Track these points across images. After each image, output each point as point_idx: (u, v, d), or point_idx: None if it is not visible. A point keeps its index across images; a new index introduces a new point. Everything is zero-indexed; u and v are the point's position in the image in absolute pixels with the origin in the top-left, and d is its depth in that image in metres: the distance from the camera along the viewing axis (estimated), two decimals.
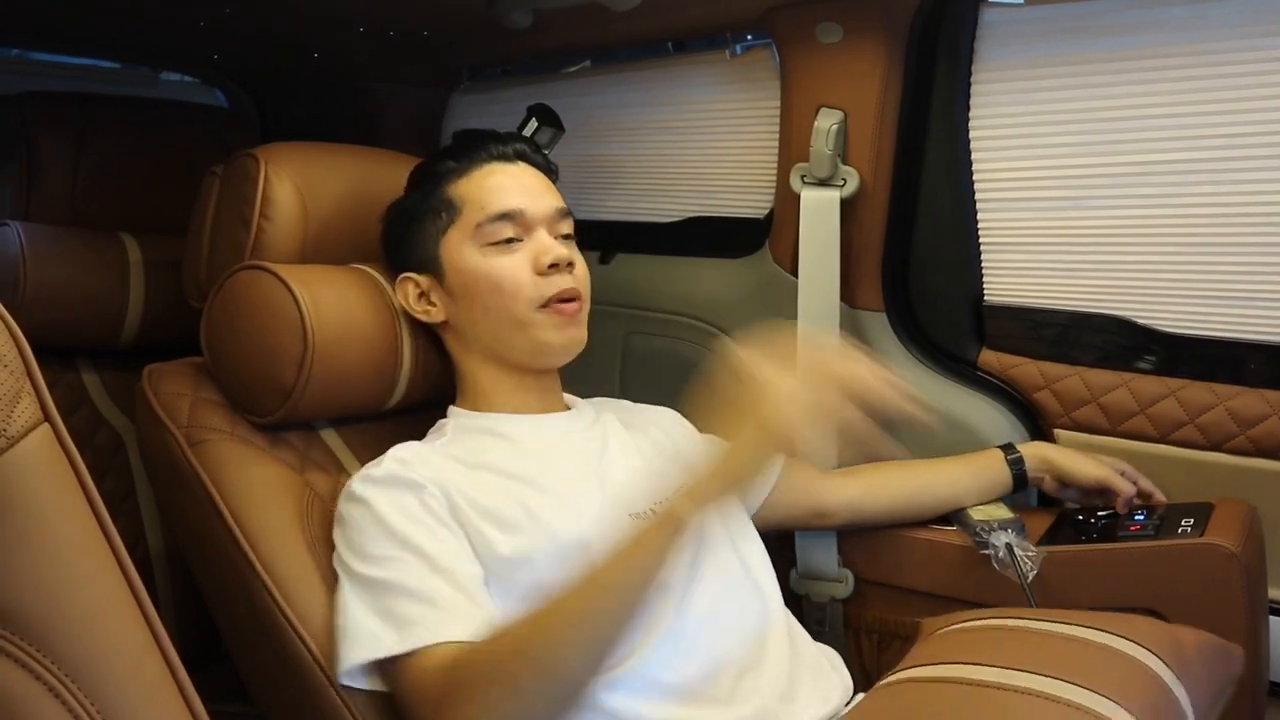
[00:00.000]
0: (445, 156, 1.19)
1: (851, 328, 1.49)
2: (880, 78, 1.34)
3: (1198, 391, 1.28)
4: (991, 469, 1.29)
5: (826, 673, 1.08)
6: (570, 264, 1.14)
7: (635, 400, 1.35)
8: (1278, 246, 1.20)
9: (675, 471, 1.14)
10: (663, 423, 1.25)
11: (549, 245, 1.13)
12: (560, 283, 1.12)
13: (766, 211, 1.58)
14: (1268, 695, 1.25)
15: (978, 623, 1.00)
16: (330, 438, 1.25)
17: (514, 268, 1.12)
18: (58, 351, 1.53)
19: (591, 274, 1.77)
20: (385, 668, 0.94)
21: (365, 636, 0.94)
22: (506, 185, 1.15)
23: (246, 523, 1.07)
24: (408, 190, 1.22)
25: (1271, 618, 1.23)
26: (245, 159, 1.24)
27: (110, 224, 1.55)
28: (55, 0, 1.42)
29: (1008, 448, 1.31)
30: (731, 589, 1.08)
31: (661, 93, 1.67)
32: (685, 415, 1.31)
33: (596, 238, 1.82)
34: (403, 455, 1.05)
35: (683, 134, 1.67)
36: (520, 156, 1.19)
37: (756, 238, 1.60)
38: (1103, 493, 1.26)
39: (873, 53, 1.33)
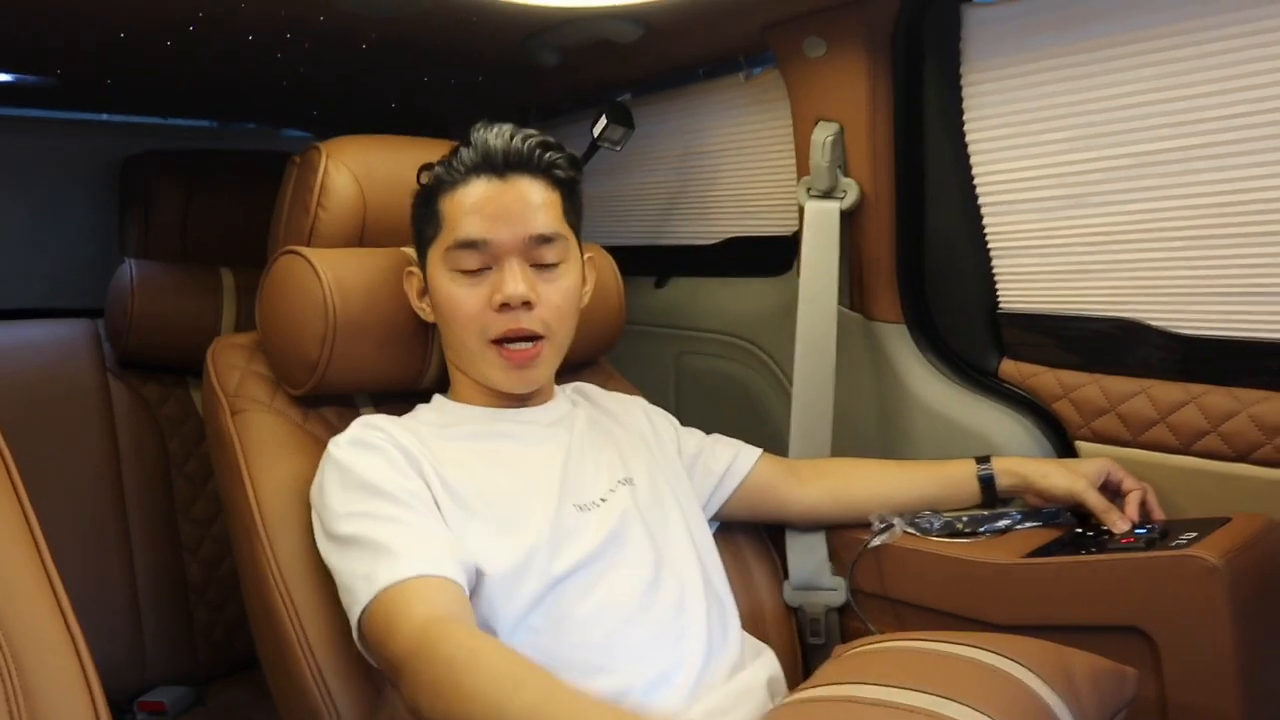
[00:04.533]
0: (445, 162, 1.14)
1: (871, 342, 1.48)
2: (867, 87, 1.34)
3: (1219, 397, 1.18)
4: (960, 480, 1.25)
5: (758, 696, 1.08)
6: (527, 303, 1.09)
7: (688, 416, 1.38)
8: None
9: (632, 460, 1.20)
10: (624, 416, 1.28)
11: (506, 281, 1.09)
12: (510, 322, 1.10)
13: (796, 229, 1.60)
14: None
15: (880, 645, 0.99)
16: (368, 414, 1.30)
17: (470, 299, 1.11)
18: (169, 370, 1.78)
19: (649, 299, 1.87)
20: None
21: (353, 589, 0.97)
22: (482, 208, 1.10)
23: (259, 485, 1.17)
24: (417, 187, 1.19)
25: None
26: (312, 150, 1.31)
27: (215, 260, 1.80)
28: (176, 70, 1.66)
29: (983, 458, 1.26)
30: (691, 604, 1.10)
31: (691, 119, 1.73)
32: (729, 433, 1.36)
33: (651, 263, 1.89)
34: (370, 421, 1.11)
35: (714, 158, 1.72)
36: (515, 167, 1.11)
37: (788, 255, 1.61)
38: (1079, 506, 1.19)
39: (856, 63, 1.34)
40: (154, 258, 1.80)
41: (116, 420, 1.74)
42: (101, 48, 1.49)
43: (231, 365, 1.30)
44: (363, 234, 1.32)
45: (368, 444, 1.07)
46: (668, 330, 1.82)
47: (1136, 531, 1.14)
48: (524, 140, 1.12)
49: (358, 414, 1.31)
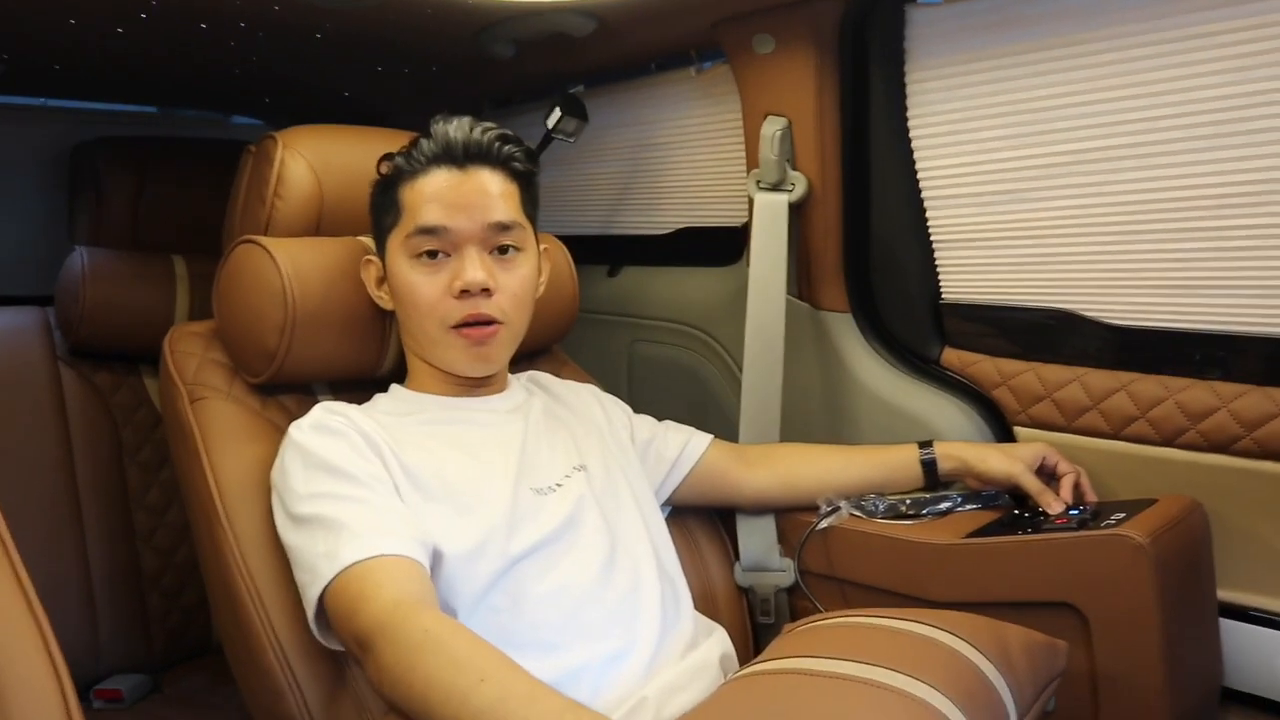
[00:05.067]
0: (406, 152, 1.17)
1: (819, 330, 1.53)
2: (814, 83, 1.38)
3: (1148, 385, 1.24)
4: (903, 464, 1.30)
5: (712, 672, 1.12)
6: (486, 289, 1.13)
7: (640, 403, 1.42)
8: (1208, 231, 1.16)
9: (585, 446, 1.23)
10: (577, 405, 1.32)
11: (465, 268, 1.12)
12: (470, 308, 1.13)
13: (746, 220, 1.63)
14: (1220, 701, 1.20)
15: (827, 621, 1.04)
16: (326, 401, 1.31)
17: (430, 286, 1.14)
18: (122, 358, 1.78)
19: (602, 287, 1.90)
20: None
21: (314, 567, 0.99)
22: (442, 196, 1.13)
23: (219, 471, 1.18)
24: (377, 176, 1.21)
25: (1231, 622, 1.19)
26: (268, 140, 1.32)
27: (167, 248, 1.79)
28: (127, 56, 1.65)
29: (926, 443, 1.31)
30: (645, 585, 1.14)
31: (644, 112, 1.76)
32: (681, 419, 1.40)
33: (604, 252, 1.92)
34: (331, 407, 1.13)
35: (666, 149, 1.75)
36: (474, 159, 1.15)
37: (738, 246, 1.65)
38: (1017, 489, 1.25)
39: (804, 60, 1.38)
40: (105, 245, 1.78)
41: (68, 409, 1.73)
42: (51, 34, 1.48)
43: (189, 353, 1.31)
44: (319, 223, 1.33)
45: (329, 428, 1.09)
46: (620, 318, 1.85)
47: (1070, 513, 1.19)
48: (483, 133, 1.15)
49: (316, 402, 1.31)
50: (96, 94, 2.00)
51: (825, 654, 0.92)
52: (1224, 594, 1.19)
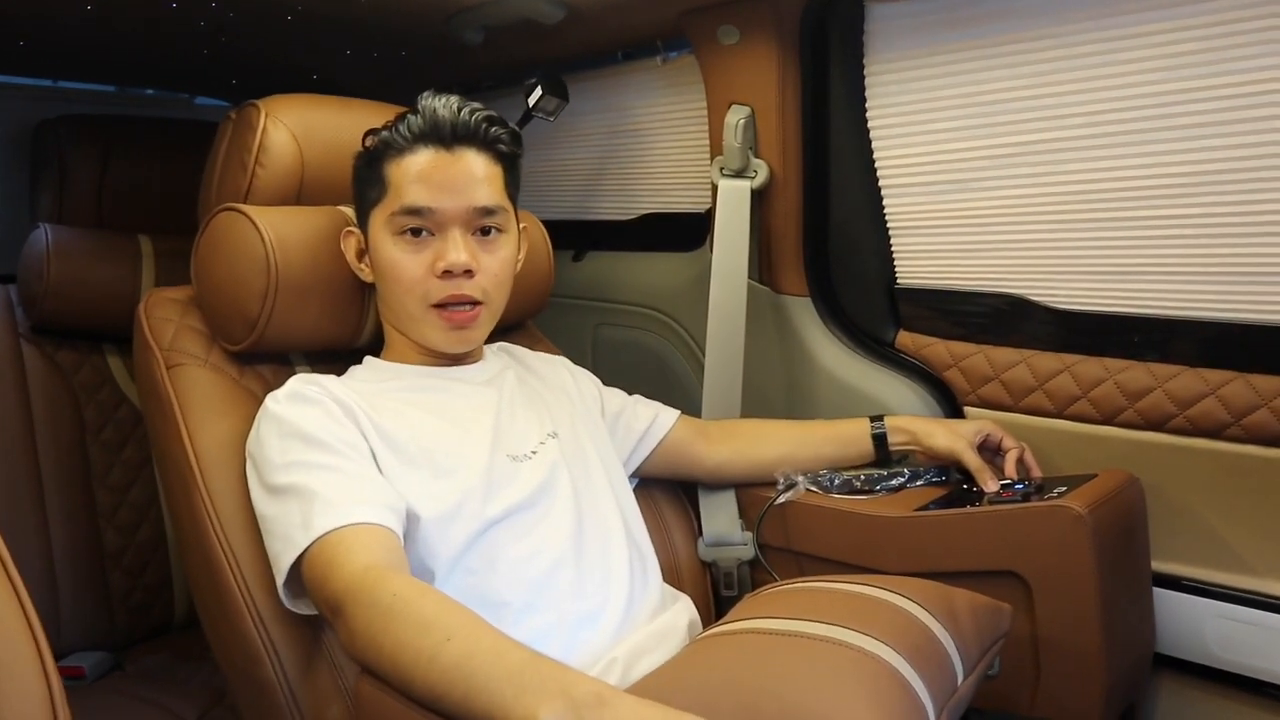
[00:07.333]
0: (393, 127, 1.17)
1: (779, 313, 1.58)
2: (776, 74, 1.43)
3: (1090, 366, 1.31)
4: (856, 438, 1.36)
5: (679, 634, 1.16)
6: (469, 270, 1.15)
7: (605, 384, 1.45)
8: (1145, 220, 1.23)
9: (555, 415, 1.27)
10: (549, 375, 1.35)
11: (449, 249, 1.14)
12: (452, 289, 1.15)
13: (709, 206, 1.68)
14: (1152, 666, 1.26)
15: (785, 587, 1.08)
16: (303, 371, 1.32)
17: (412, 265, 1.15)
18: (85, 336, 1.78)
19: (567, 271, 1.94)
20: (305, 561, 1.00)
21: (289, 536, 1.01)
22: (429, 177, 1.14)
23: (197, 438, 1.19)
24: (361, 149, 1.22)
25: (1164, 591, 1.26)
26: (250, 108, 1.31)
27: (132, 227, 1.79)
28: (94, 34, 1.65)
29: (876, 417, 1.36)
30: (614, 552, 1.17)
31: (610, 99, 1.80)
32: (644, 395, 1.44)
33: (570, 237, 1.96)
34: (307, 378, 1.15)
35: (631, 137, 1.79)
36: (462, 139, 1.16)
37: (702, 231, 1.70)
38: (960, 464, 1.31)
39: (767, 51, 1.43)
40: (69, 224, 1.78)
41: (30, 386, 1.73)
42: (16, 8, 1.48)
43: (165, 319, 1.31)
44: (299, 193, 1.33)
45: (305, 397, 1.11)
46: (586, 302, 1.90)
47: (1015, 486, 1.26)
48: (471, 113, 1.16)
49: (293, 372, 1.32)
50: (63, 72, 1.99)
51: (784, 615, 0.96)
52: (1158, 565, 1.26)
